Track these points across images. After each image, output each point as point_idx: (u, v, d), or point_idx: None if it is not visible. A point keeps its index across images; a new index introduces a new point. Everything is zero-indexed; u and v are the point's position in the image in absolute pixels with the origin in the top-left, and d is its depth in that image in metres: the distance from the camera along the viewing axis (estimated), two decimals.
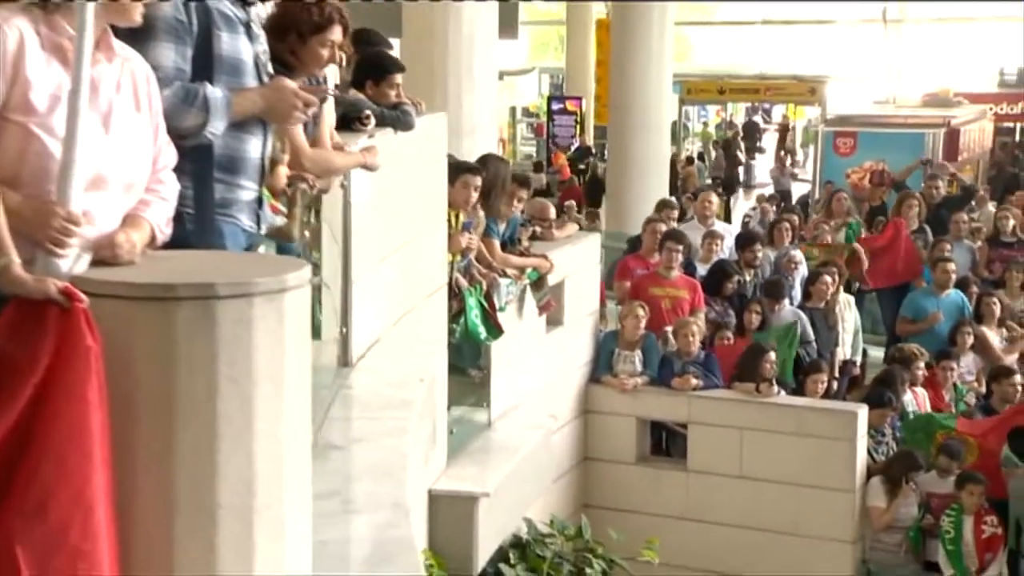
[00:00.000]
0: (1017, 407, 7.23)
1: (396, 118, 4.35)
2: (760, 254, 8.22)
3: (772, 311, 7.80)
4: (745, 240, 8.41)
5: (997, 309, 8.59)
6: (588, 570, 5.96)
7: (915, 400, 7.52)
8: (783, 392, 7.10)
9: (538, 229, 6.57)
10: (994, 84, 25.95)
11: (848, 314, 8.22)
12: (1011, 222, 9.64)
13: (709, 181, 22.39)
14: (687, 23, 31.35)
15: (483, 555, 5.19)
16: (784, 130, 31.19)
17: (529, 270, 6.15)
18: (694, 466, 7.10)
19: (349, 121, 3.97)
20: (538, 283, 6.22)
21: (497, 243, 6.08)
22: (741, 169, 27.56)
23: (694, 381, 7.05)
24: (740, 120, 34.49)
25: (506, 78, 31.37)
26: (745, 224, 12.94)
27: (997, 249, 9.52)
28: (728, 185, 22.23)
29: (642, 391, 7.14)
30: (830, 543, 6.86)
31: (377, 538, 2.84)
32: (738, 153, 27.78)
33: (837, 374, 7.95)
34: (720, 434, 7.03)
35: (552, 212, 7.00)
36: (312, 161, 3.39)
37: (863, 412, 6.88)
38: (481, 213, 5.89)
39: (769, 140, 31.27)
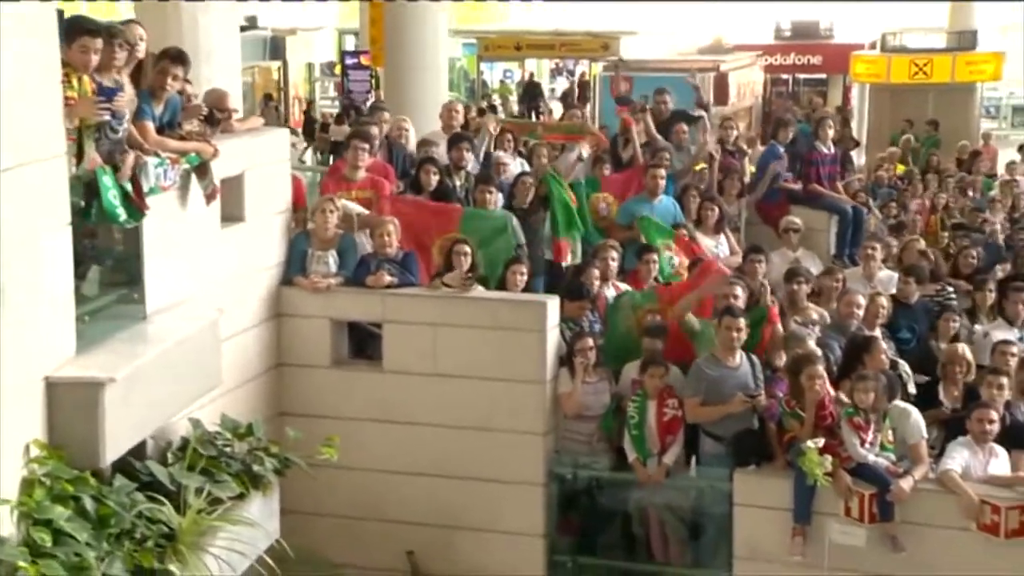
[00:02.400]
0: (702, 270, 7.49)
1: None
2: (468, 154, 8.18)
3: (484, 205, 7.78)
4: (455, 140, 8.38)
5: (714, 215, 8.91)
6: (256, 467, 5.73)
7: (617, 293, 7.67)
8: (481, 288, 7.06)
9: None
10: (771, 37, 27.07)
11: None
12: (734, 132, 9.98)
13: None
14: None
15: (113, 447, 4.85)
16: (582, 84, 31.63)
17: (191, 155, 5.80)
18: (390, 366, 6.96)
19: None
20: (201, 170, 5.87)
21: (150, 125, 5.70)
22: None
23: (387, 278, 6.89)
24: (547, 77, 34.99)
25: (300, 34, 30.68)
26: None
27: (722, 156, 9.82)
28: None
29: (336, 292, 6.93)
30: (523, 436, 6.86)
31: None
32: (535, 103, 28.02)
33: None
34: (415, 332, 6.91)
35: (231, 102, 6.65)
36: None
37: (553, 303, 6.91)
38: (130, 88, 5.53)
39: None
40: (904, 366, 7.46)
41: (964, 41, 22.38)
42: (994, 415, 6.42)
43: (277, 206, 6.90)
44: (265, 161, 6.69)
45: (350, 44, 32.39)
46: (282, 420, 6.75)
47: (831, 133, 9.79)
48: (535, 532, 6.94)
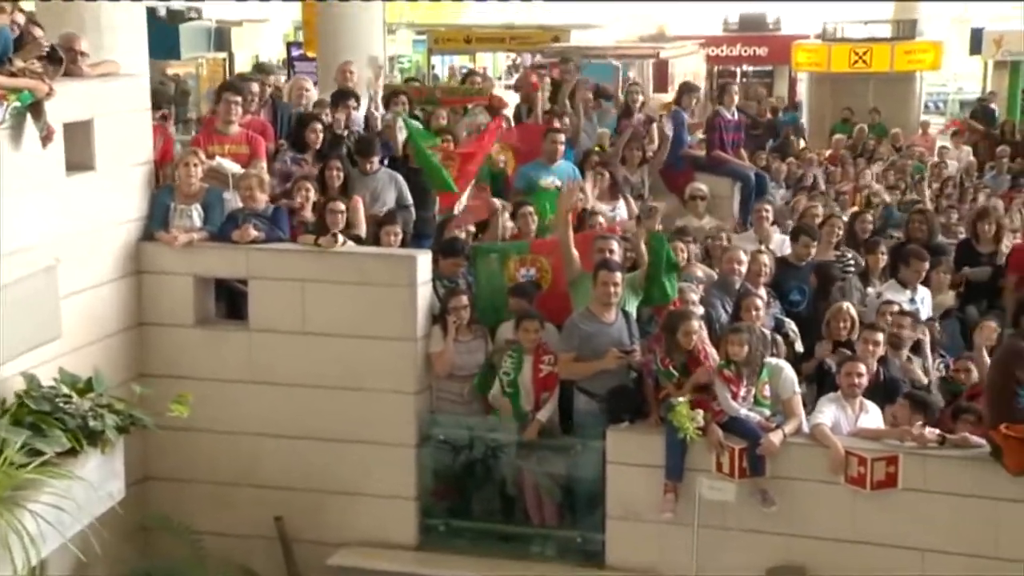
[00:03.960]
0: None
1: None
2: (354, 113, 8.02)
3: (365, 170, 7.59)
4: (339, 97, 8.17)
5: (604, 180, 8.74)
6: (93, 423, 5.48)
7: None
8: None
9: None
10: (720, 29, 27.10)
11: None
12: (640, 98, 9.86)
13: None
14: None
15: None
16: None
17: (23, 93, 5.55)
18: (256, 325, 6.73)
19: None
20: (35, 109, 5.61)
21: None
22: None
23: (253, 232, 6.66)
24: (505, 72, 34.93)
25: (246, 26, 30.35)
26: None
27: (628, 121, 9.71)
28: None
29: (200, 247, 6.69)
30: (393, 395, 6.66)
31: None
32: None
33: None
34: (281, 289, 6.68)
35: (82, 44, 6.39)
36: None
37: (423, 257, 6.70)
38: None
39: None
40: (791, 325, 7.37)
41: (903, 30, 22.47)
42: (862, 369, 6.31)
43: (135, 157, 6.64)
44: (120, 109, 6.43)
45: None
46: (144, 382, 6.48)
47: (735, 99, 9.72)
48: (407, 495, 6.74)
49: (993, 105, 20.63)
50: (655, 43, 22.22)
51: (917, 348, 7.01)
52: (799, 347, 7.27)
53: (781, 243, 8.32)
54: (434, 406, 6.81)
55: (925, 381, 6.89)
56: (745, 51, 26.27)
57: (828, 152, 16.97)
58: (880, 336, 6.66)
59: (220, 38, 28.87)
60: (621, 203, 8.83)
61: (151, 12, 29.82)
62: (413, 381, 6.68)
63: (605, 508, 6.48)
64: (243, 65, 30.28)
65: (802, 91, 25.55)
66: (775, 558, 6.21)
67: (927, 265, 7.73)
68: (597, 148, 9.45)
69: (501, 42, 31.48)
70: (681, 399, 6.20)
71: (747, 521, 6.22)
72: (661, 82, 20.46)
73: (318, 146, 7.55)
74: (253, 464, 6.80)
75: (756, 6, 27.01)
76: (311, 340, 6.68)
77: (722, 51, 26.07)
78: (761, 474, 6.20)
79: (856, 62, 22.47)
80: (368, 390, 6.67)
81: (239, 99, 7.08)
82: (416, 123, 8.42)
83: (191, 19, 28.23)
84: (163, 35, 25.96)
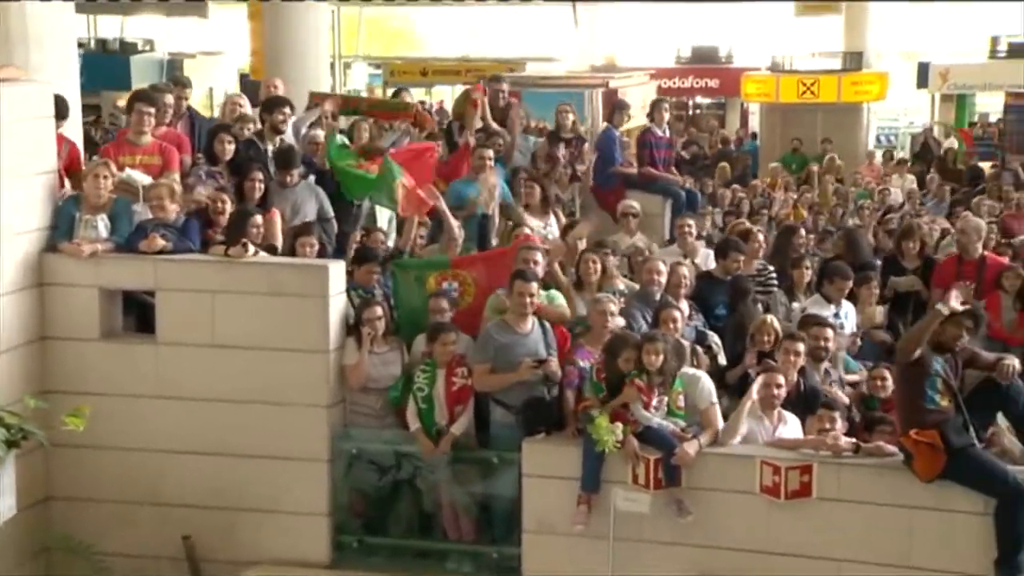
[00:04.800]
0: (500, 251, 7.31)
1: None
2: (285, 117, 7.99)
3: (284, 182, 7.49)
4: (271, 104, 8.17)
5: (535, 195, 8.72)
6: None
7: None
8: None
9: None
10: (672, 61, 27.38)
11: None
12: (570, 117, 9.84)
13: None
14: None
15: None
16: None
17: None
18: (164, 338, 6.56)
19: None
20: None
21: None
22: None
23: (161, 242, 6.51)
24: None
25: (200, 58, 30.29)
26: None
27: (557, 144, 9.68)
28: None
29: (105, 258, 6.52)
30: (306, 409, 6.51)
31: None
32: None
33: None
34: (190, 300, 6.53)
35: None
36: None
37: (335, 267, 6.58)
38: None
39: None
40: (714, 338, 7.32)
41: (850, 62, 22.80)
42: (780, 380, 6.25)
43: (38, 166, 6.47)
44: (21, 116, 6.27)
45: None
46: (47, 397, 6.27)
47: (666, 116, 9.75)
48: (319, 511, 6.56)
49: (935, 136, 21.09)
50: (605, 73, 22.39)
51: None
52: (722, 360, 7.23)
53: (706, 258, 8.30)
54: (348, 420, 6.66)
55: (846, 401, 6.86)
56: (697, 83, 26.55)
57: (767, 180, 17.25)
58: (800, 346, 6.60)
59: (173, 70, 28.77)
60: (552, 219, 8.80)
61: (102, 44, 29.72)
62: (326, 394, 6.52)
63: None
64: (197, 98, 30.21)
65: (754, 123, 25.90)
66: (692, 570, 6.09)
67: (850, 282, 7.75)
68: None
69: (457, 74, 31.60)
70: (601, 411, 6.12)
71: (663, 533, 6.11)
72: (610, 112, 20.62)
73: (227, 158, 7.42)
74: (160, 482, 6.59)
75: (708, 39, 27.36)
76: (221, 353, 6.52)
77: (674, 83, 26.30)
78: (676, 485, 6.09)
79: (804, 93, 22.78)
80: (280, 404, 6.50)
81: (152, 110, 6.96)
82: (342, 139, 8.33)
83: (143, 51, 28.16)
84: (114, 66, 25.92)
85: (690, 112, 27.98)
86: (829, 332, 6.84)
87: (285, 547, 6.55)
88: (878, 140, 26.50)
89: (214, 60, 31.42)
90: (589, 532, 6.17)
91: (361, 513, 6.72)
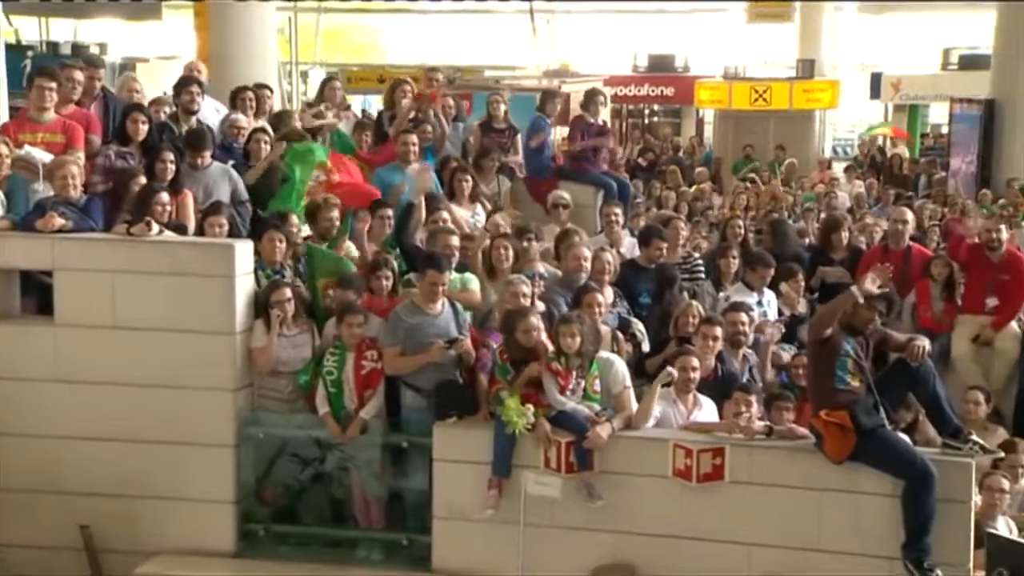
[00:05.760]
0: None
1: None
2: (198, 99, 7.80)
3: (196, 164, 7.29)
4: (183, 83, 8.04)
5: (467, 186, 8.57)
6: None
7: None
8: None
9: None
10: (630, 69, 27.43)
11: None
12: (502, 107, 9.72)
13: None
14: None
15: None
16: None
17: None
18: (63, 319, 6.34)
19: None
20: None
21: None
22: None
23: (59, 221, 6.28)
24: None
25: (153, 62, 29.95)
26: None
27: (489, 135, 9.58)
28: None
29: (1, 237, 6.31)
30: (211, 393, 6.31)
31: None
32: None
33: None
34: (90, 281, 6.31)
35: None
36: None
37: (242, 247, 6.40)
38: None
39: None
40: (638, 325, 7.22)
41: (803, 70, 22.93)
42: (695, 363, 6.14)
43: None
44: None
45: None
46: None
47: (601, 108, 9.67)
48: (225, 499, 6.37)
49: (881, 145, 21.33)
50: (558, 78, 22.36)
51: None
52: (646, 347, 7.13)
53: (632, 247, 8.21)
54: (256, 404, 6.47)
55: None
56: (652, 90, 26.59)
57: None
58: (718, 330, 6.51)
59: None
60: (479, 208, 8.67)
61: (54, 47, 29.39)
62: (232, 378, 6.33)
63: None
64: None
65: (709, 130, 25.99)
66: (603, 556, 5.95)
67: (772, 270, 7.70)
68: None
69: (416, 82, 31.49)
70: (511, 394, 5.98)
71: (575, 519, 5.96)
72: (563, 116, 20.55)
73: (140, 138, 7.21)
74: (57, 469, 6.36)
75: (666, 48, 27.46)
76: (122, 335, 6.31)
77: (630, 90, 26.37)
78: (589, 469, 5.96)
79: (756, 100, 22.87)
80: (184, 388, 6.31)
81: (53, 85, 6.73)
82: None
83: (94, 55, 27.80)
84: None
85: (646, 120, 28.15)
86: (745, 317, 6.77)
87: (188, 536, 6.34)
88: (835, 151, 26.70)
89: (168, 64, 31.09)
90: (500, 518, 6.01)
91: (271, 501, 6.53)
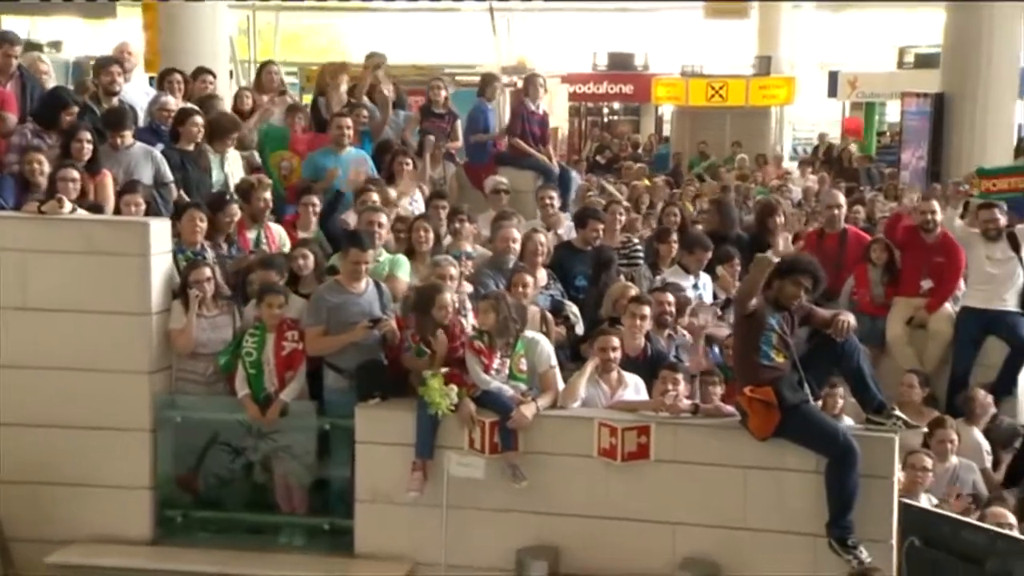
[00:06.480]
0: None
1: None
2: (119, 79, 7.62)
3: (115, 145, 7.10)
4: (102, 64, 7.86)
5: (408, 170, 8.43)
6: None
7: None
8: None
9: None
10: (590, 67, 27.42)
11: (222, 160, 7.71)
12: (442, 92, 9.59)
13: None
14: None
15: None
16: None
17: None
18: None
19: None
20: None
21: None
22: None
23: None
24: None
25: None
26: None
27: (429, 119, 9.44)
28: None
29: None
30: (126, 376, 6.14)
31: None
32: None
33: None
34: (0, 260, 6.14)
35: None
36: None
37: (158, 225, 6.22)
38: None
39: None
40: (572, 308, 7.12)
41: (759, 67, 22.99)
42: (615, 342, 6.05)
43: None
44: None
45: None
46: None
47: (541, 92, 9.59)
48: (141, 485, 6.19)
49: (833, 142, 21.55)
50: (516, 74, 22.30)
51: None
52: (580, 329, 7.03)
53: (569, 230, 8.10)
54: (175, 387, 6.30)
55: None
56: (611, 88, 26.59)
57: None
58: (646, 310, 6.41)
59: (80, 72, 28.00)
60: (418, 193, 8.53)
61: None
62: (148, 360, 6.17)
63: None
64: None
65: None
66: (528, 538, 5.83)
67: (709, 253, 7.63)
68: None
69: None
70: (434, 373, 5.86)
71: (499, 500, 5.85)
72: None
73: (64, 125, 6.99)
74: None
75: (627, 47, 27.49)
76: (33, 316, 6.13)
77: (589, 88, 26.36)
78: (513, 449, 5.84)
79: (713, 96, 22.92)
80: (98, 371, 6.13)
81: None
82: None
83: (48, 53, 27.39)
84: None
85: (605, 119, 28.15)
86: (671, 297, 6.69)
87: (103, 523, 6.16)
88: (794, 151, 26.82)
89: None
90: (423, 500, 5.88)
91: (191, 487, 6.34)
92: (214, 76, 9.27)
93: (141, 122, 7.97)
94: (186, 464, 6.31)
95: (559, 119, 23.02)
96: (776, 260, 5.48)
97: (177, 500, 6.29)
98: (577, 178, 10.90)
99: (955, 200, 7.74)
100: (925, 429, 6.14)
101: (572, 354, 6.82)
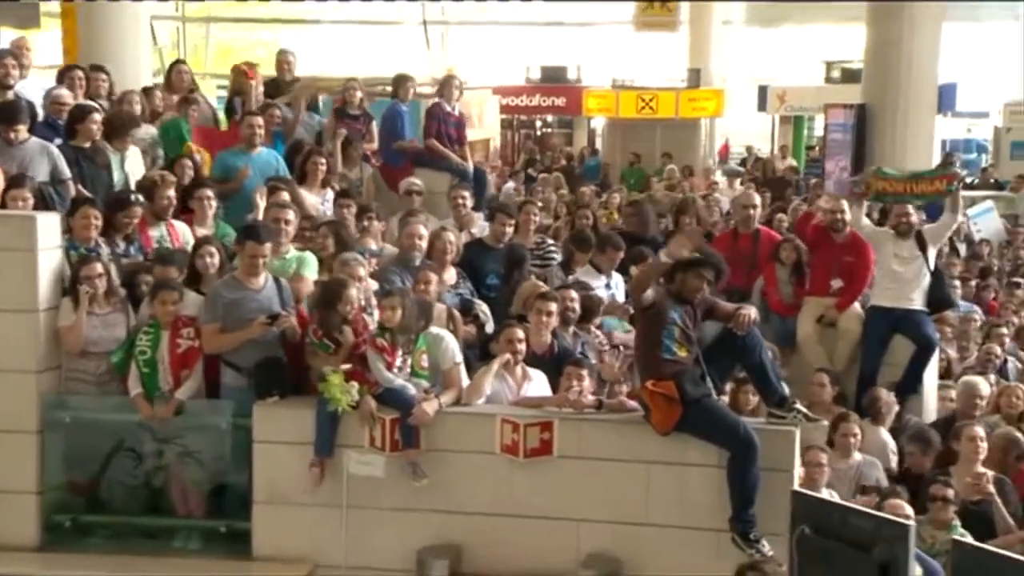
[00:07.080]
0: None
1: None
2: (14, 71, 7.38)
3: (9, 139, 6.83)
4: None
5: (320, 170, 8.25)
6: None
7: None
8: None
9: None
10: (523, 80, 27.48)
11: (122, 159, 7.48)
12: (358, 94, 9.47)
13: None
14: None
15: None
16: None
17: None
18: None
19: None
20: None
21: None
22: None
23: None
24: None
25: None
26: None
27: (343, 120, 9.31)
28: None
29: None
30: (11, 375, 5.90)
31: None
32: None
33: None
34: None
35: None
36: None
37: (46, 219, 5.99)
38: None
39: None
40: (482, 306, 7.04)
41: (689, 79, 23.23)
42: (520, 335, 5.98)
43: None
44: None
45: None
46: None
47: (456, 94, 9.52)
48: (27, 489, 5.94)
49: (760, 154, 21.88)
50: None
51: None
52: (490, 328, 6.94)
53: (483, 229, 8.03)
54: (63, 387, 6.06)
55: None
56: (544, 101, 26.67)
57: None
58: (553, 306, 6.34)
59: None
60: (329, 193, 8.40)
61: None
62: (35, 359, 5.93)
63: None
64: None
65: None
66: (429, 537, 5.71)
67: (621, 253, 7.61)
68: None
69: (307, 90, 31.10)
70: (334, 369, 5.72)
71: (399, 499, 5.72)
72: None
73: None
74: None
75: (560, 60, 27.61)
76: None
77: (522, 100, 26.41)
78: (415, 446, 5.72)
79: (643, 108, 23.11)
80: None
81: None
82: None
83: None
84: None
85: (538, 131, 28.21)
86: (575, 294, 6.63)
87: None
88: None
89: (48, 73, 30.14)
90: (322, 500, 5.73)
91: (82, 490, 6.10)
92: (107, 74, 9.02)
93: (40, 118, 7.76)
94: (87, 470, 6.08)
95: (491, 131, 22.98)
96: (670, 260, 5.45)
97: (66, 504, 6.05)
98: (492, 180, 10.87)
99: (850, 200, 7.81)
100: (826, 423, 6.15)
101: (481, 353, 6.73)
